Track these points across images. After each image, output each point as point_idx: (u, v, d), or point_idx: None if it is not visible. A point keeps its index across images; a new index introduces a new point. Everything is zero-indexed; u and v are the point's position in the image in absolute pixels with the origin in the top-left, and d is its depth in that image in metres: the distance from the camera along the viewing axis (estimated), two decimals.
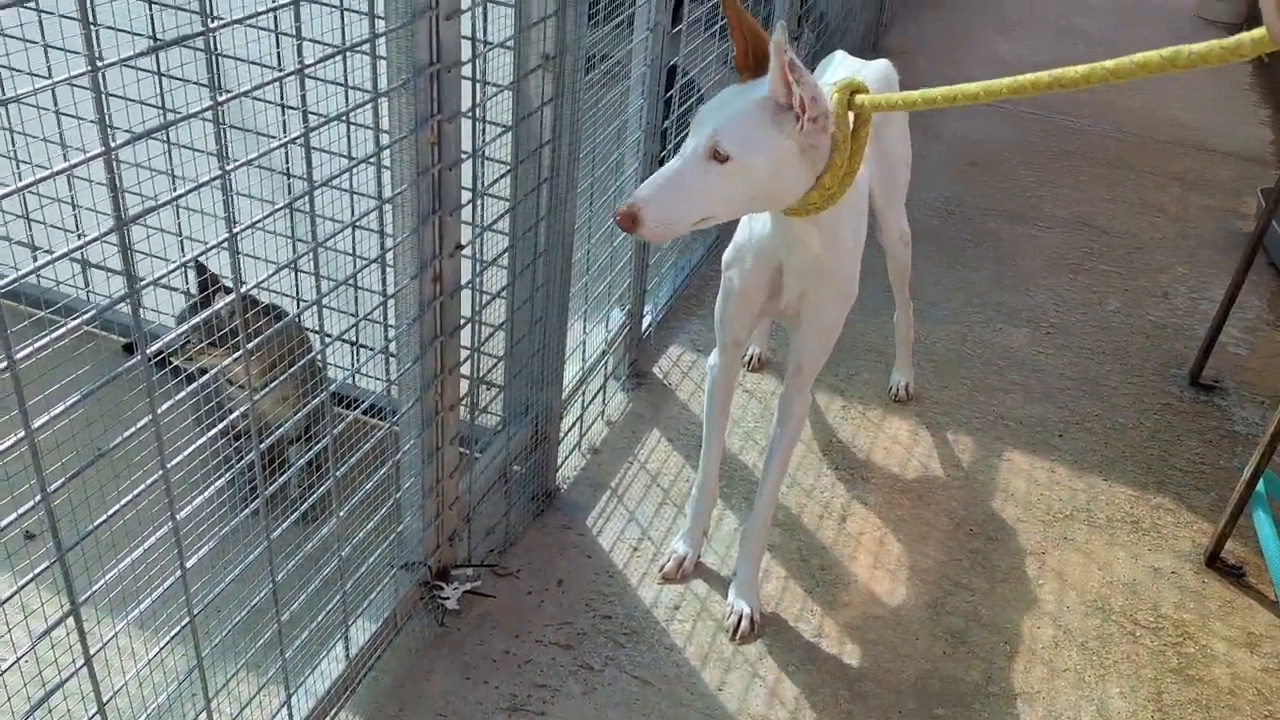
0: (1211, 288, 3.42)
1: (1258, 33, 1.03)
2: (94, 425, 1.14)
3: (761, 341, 2.72)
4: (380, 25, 1.31)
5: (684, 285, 2.97)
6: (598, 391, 2.42)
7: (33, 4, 1.83)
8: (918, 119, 2.42)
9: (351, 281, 1.73)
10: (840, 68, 2.21)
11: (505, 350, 1.92)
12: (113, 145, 0.92)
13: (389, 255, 1.47)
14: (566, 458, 2.29)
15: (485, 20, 1.56)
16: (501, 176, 1.73)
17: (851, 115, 1.48)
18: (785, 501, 2.27)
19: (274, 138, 1.68)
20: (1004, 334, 3.03)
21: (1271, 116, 5.03)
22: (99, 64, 0.89)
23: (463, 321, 1.68)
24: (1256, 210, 3.81)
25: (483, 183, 1.68)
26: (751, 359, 2.72)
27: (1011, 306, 3.17)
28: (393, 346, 1.63)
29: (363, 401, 1.62)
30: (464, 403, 1.79)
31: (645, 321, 2.66)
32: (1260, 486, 2.22)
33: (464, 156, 1.55)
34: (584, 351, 2.29)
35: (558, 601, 1.98)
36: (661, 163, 1.99)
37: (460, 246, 1.61)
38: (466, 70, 1.51)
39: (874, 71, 2.17)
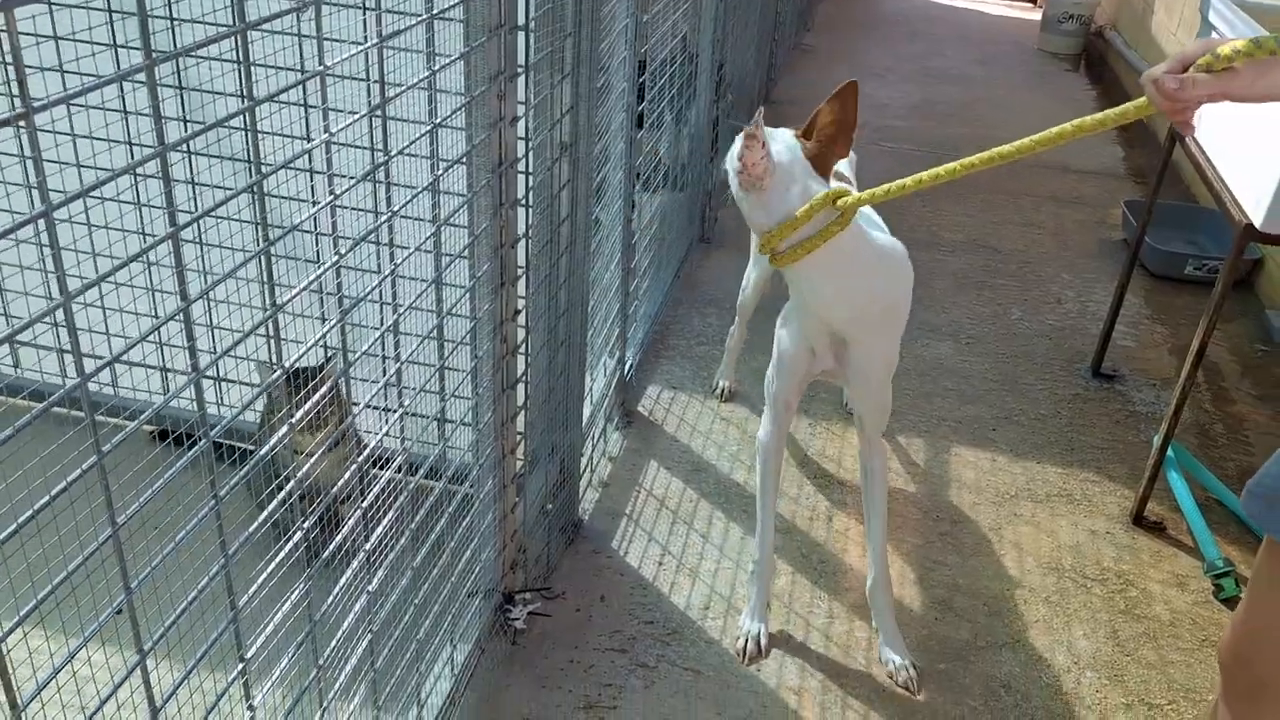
0: (1094, 290, 3.93)
1: (1140, 101, 1.41)
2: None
3: (729, 375, 3.06)
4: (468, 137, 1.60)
5: (650, 331, 3.29)
6: (601, 432, 2.71)
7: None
8: None
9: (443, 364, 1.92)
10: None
11: (543, 398, 2.20)
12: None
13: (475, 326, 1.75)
14: (584, 492, 2.56)
15: (526, 124, 1.86)
16: (539, 252, 2.02)
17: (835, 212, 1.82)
18: (780, 509, 2.59)
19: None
20: (931, 347, 3.44)
21: (1119, 135, 5.67)
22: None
23: (518, 376, 1.96)
24: (1123, 220, 4.36)
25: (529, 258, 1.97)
26: (722, 391, 3.05)
27: (933, 323, 3.59)
28: (462, 413, 1.89)
29: (421, 464, 1.85)
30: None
31: (627, 365, 2.97)
32: (1170, 453, 2.64)
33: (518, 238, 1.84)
34: (591, 397, 2.58)
35: (604, 614, 2.26)
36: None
37: (518, 312, 1.90)
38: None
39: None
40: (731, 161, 1.86)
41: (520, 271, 1.91)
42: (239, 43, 0.97)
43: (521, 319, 1.94)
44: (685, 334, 3.40)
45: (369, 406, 1.82)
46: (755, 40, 5.10)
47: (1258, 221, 2.29)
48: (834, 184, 1.88)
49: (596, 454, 2.68)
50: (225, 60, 2.14)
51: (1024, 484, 2.80)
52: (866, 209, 2.18)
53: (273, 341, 1.20)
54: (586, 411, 2.52)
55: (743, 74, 4.81)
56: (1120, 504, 2.73)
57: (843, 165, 2.41)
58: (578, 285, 2.22)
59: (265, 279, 1.11)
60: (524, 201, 1.87)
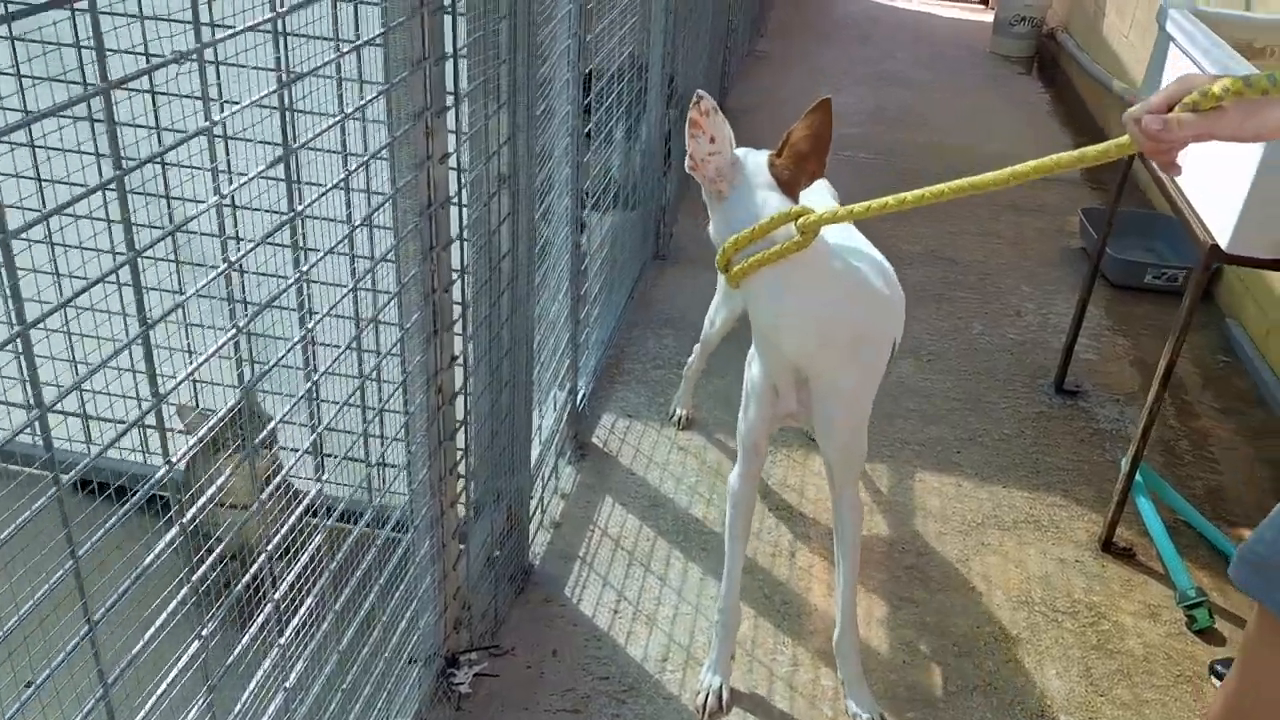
0: (1055, 302, 3.86)
1: (1123, 139, 1.31)
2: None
3: (686, 403, 2.94)
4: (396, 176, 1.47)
5: (604, 356, 3.17)
6: (552, 469, 2.59)
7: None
8: None
9: (378, 407, 1.79)
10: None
11: (486, 445, 2.07)
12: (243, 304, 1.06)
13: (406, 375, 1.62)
14: (534, 535, 2.44)
15: (460, 157, 1.73)
16: (478, 291, 1.89)
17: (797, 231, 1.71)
18: None
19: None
20: (891, 365, 3.34)
21: (1074, 140, 5.64)
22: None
23: (457, 425, 1.83)
24: (1080, 229, 4.30)
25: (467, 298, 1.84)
26: (680, 419, 2.93)
27: None
28: (398, 459, 1.76)
29: (360, 513, 1.72)
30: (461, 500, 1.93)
31: (579, 396, 2.84)
32: (1138, 476, 2.57)
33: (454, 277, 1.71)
34: (541, 435, 2.45)
35: (556, 671, 2.13)
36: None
37: (455, 358, 1.77)
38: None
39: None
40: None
41: (458, 312, 1.78)
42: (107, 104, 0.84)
43: (461, 361, 1.81)
44: (640, 357, 3.28)
45: (299, 452, 1.69)
46: (707, 49, 4.99)
47: (1223, 243, 2.22)
48: (803, 205, 1.76)
49: (547, 493, 2.55)
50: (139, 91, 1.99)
51: (990, 510, 2.72)
52: (861, 237, 2.10)
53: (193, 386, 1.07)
54: (535, 451, 2.40)
55: (695, 84, 4.70)
56: (1088, 529, 2.65)
57: (827, 196, 2.30)
58: (521, 323, 2.10)
59: (147, 369, 0.99)
60: (461, 237, 1.74)
